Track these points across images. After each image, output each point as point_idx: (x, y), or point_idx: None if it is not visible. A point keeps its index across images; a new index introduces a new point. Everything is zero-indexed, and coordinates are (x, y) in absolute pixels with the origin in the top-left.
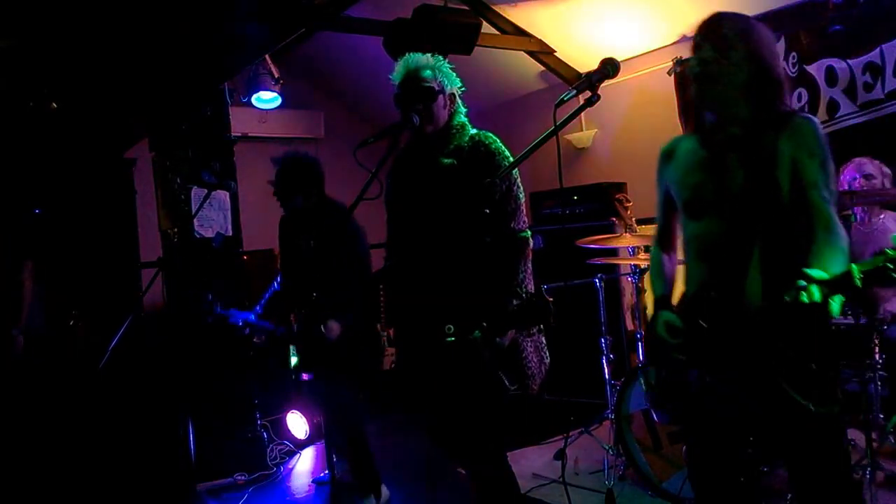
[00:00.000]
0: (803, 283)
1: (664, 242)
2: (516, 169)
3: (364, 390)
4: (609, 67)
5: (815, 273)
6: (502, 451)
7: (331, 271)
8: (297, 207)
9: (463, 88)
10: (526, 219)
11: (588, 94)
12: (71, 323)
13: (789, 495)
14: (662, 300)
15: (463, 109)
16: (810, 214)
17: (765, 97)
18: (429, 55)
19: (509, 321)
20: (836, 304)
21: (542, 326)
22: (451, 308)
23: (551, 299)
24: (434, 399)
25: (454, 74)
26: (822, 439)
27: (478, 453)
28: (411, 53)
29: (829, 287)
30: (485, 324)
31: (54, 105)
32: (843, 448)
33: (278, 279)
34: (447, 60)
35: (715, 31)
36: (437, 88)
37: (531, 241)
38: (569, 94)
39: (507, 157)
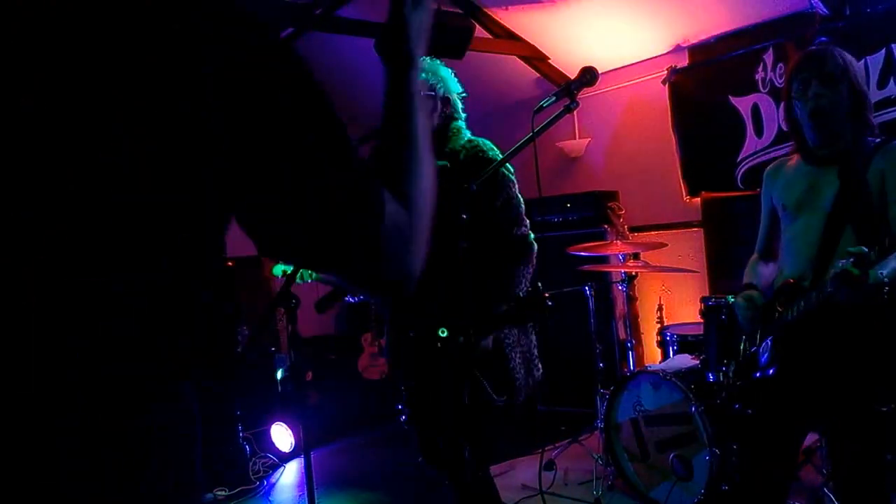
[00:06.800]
0: (843, 260)
1: (764, 251)
2: (514, 175)
3: None
4: (587, 76)
5: (854, 249)
6: (485, 460)
7: None
8: None
9: (464, 94)
10: (528, 223)
11: (567, 101)
12: None
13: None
14: (749, 285)
15: (462, 115)
16: (887, 227)
17: (863, 119)
18: (425, 57)
19: (498, 322)
20: (871, 276)
21: (534, 338)
22: (441, 312)
23: (548, 295)
24: (422, 408)
25: (454, 80)
26: (867, 419)
27: (457, 460)
28: None
29: (867, 261)
30: (471, 329)
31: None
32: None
33: None
34: (444, 64)
35: (822, 68)
36: (423, 92)
37: (535, 246)
38: (548, 101)
39: (505, 165)
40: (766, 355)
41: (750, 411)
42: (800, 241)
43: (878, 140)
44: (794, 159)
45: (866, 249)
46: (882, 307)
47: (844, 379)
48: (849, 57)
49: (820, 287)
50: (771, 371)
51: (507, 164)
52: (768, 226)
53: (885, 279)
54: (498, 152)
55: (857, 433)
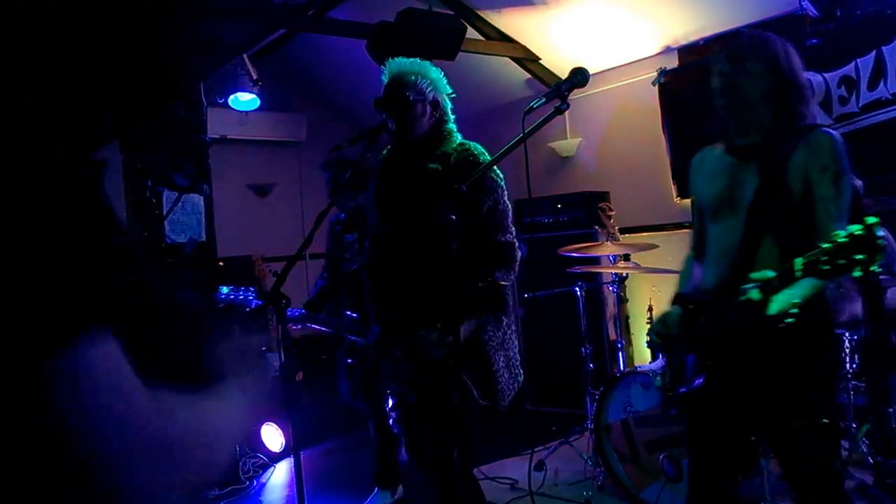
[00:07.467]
0: (748, 285)
1: (697, 250)
2: (503, 181)
3: None
4: (578, 77)
5: (758, 274)
6: (470, 460)
7: None
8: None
9: (454, 95)
10: (514, 230)
11: (557, 102)
12: None
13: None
14: (678, 297)
15: (452, 116)
16: (814, 227)
17: (785, 104)
18: (415, 60)
19: (460, 315)
20: (775, 303)
21: (515, 342)
22: (421, 312)
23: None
24: (407, 407)
25: (443, 80)
26: (802, 428)
27: (445, 460)
28: (396, 58)
29: (770, 287)
30: (438, 325)
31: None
32: (825, 440)
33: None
34: (434, 64)
35: (731, 46)
36: (412, 97)
37: (518, 254)
38: (538, 101)
39: (494, 170)
40: (689, 368)
41: (684, 420)
42: (720, 245)
43: (801, 126)
44: (719, 148)
45: (771, 274)
46: (797, 328)
47: (765, 395)
48: (774, 40)
49: (733, 306)
50: (696, 383)
51: (497, 170)
52: (698, 220)
53: (799, 300)
54: (488, 156)
55: (796, 447)
